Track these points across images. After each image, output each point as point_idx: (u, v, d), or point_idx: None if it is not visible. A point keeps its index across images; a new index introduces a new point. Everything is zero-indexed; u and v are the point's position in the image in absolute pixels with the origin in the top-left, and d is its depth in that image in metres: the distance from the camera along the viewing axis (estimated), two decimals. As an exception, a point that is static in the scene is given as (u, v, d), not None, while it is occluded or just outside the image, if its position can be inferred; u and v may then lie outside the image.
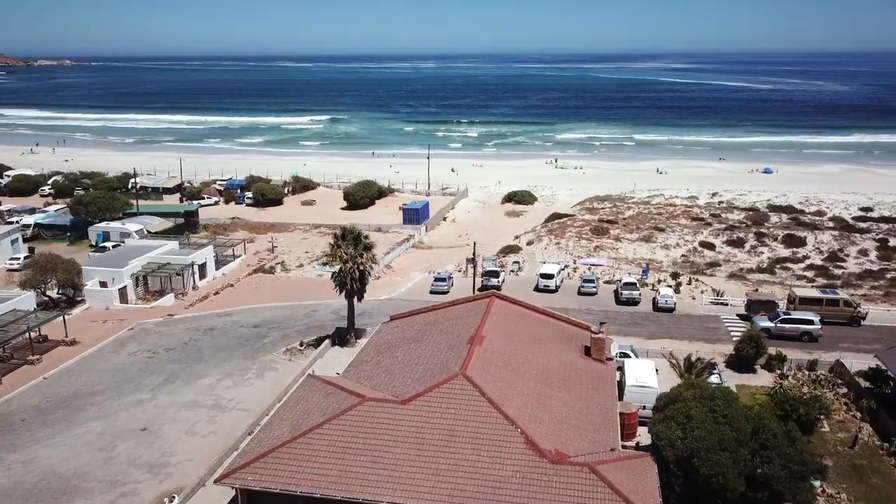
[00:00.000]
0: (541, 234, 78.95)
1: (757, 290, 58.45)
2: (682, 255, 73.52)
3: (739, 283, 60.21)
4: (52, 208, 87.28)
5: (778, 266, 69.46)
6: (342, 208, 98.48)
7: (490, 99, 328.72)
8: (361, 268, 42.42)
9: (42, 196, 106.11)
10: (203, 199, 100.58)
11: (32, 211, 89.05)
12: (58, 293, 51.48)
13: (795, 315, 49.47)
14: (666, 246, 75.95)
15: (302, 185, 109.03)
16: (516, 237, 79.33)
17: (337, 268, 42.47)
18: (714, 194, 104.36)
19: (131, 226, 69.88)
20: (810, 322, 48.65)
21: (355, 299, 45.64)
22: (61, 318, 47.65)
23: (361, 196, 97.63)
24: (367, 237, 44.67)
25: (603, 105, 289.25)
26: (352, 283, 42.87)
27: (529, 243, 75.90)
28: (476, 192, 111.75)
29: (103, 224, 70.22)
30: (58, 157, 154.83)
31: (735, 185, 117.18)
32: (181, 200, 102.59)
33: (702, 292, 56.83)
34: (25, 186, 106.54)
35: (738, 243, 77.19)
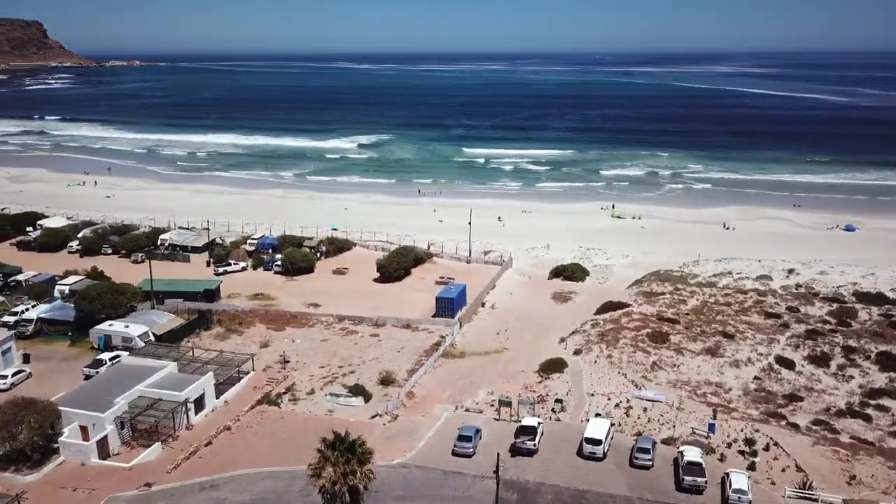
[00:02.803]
0: (590, 338, 69.58)
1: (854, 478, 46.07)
2: (756, 378, 63.08)
3: (829, 448, 49.60)
4: (69, 281, 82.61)
5: (872, 405, 58.36)
6: (375, 279, 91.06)
7: (546, 114, 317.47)
8: (353, 484, 34.49)
9: (70, 253, 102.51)
10: (230, 264, 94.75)
11: (52, 281, 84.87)
12: (30, 449, 45.35)
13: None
14: (735, 363, 65.55)
15: (336, 248, 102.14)
16: (562, 340, 70.19)
17: (326, 480, 34.54)
18: (790, 272, 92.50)
19: (135, 328, 63.88)
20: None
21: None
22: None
23: (395, 268, 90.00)
24: (363, 443, 36.60)
25: (667, 123, 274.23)
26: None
27: (577, 352, 66.68)
28: (522, 257, 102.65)
29: (105, 326, 64.49)
30: (101, 192, 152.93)
31: (813, 251, 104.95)
32: (208, 264, 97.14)
33: (783, 470, 46.65)
34: (54, 242, 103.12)
35: (822, 360, 66.14)
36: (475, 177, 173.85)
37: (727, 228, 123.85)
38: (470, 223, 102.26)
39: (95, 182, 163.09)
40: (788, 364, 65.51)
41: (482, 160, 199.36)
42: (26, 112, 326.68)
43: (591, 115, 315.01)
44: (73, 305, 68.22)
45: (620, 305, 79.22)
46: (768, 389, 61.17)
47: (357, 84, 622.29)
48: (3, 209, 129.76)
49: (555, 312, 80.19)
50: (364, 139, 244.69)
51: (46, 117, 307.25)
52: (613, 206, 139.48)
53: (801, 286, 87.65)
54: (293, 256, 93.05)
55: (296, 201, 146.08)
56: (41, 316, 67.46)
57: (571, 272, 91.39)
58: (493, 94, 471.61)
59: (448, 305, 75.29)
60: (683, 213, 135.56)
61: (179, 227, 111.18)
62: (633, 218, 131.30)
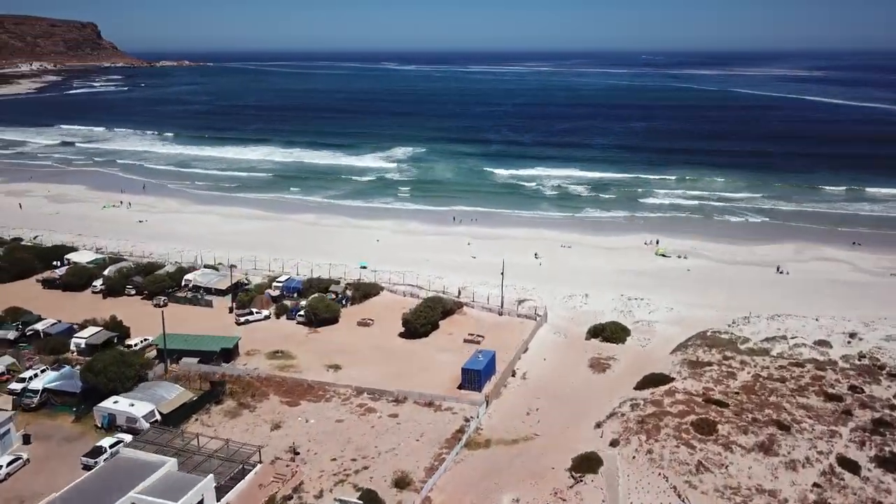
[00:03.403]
0: (629, 425, 63.51)
1: None
2: (815, 485, 56.28)
3: None
4: (86, 333, 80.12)
5: (954, 532, 51.17)
6: (400, 334, 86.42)
7: (590, 127, 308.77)
8: None
9: (94, 293, 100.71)
10: (252, 312, 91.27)
11: (69, 331, 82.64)
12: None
13: None
14: (791, 463, 58.74)
15: (363, 294, 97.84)
16: (598, 426, 64.34)
17: None
18: (851, 336, 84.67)
19: (140, 407, 60.37)
20: None
21: None
22: None
23: (422, 323, 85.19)
24: None
25: (720, 139, 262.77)
26: None
27: (614, 443, 60.77)
28: (559, 308, 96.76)
29: (110, 403, 61.14)
30: (134, 215, 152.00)
31: (877, 305, 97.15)
32: (231, 310, 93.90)
33: None
34: (78, 281, 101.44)
35: (891, 463, 58.87)
36: (512, 202, 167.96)
37: (781, 272, 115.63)
38: (503, 273, 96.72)
39: (129, 203, 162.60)
40: (852, 467, 58.41)
41: (520, 181, 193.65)
42: (69, 120, 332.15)
43: (637, 129, 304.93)
44: (79, 374, 65.08)
45: (663, 379, 72.79)
46: (829, 502, 54.35)
47: (399, 88, 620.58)
48: (35, 237, 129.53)
49: (591, 385, 74.27)
50: (401, 152, 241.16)
51: (89, 126, 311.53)
52: (658, 243, 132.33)
53: (864, 356, 79.87)
54: (317, 307, 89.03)
55: (327, 230, 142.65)
56: (47, 386, 64.62)
57: (611, 332, 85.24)
58: (537, 101, 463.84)
59: (475, 378, 70.12)
60: (733, 252, 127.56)
61: (205, 266, 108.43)
62: (679, 257, 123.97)
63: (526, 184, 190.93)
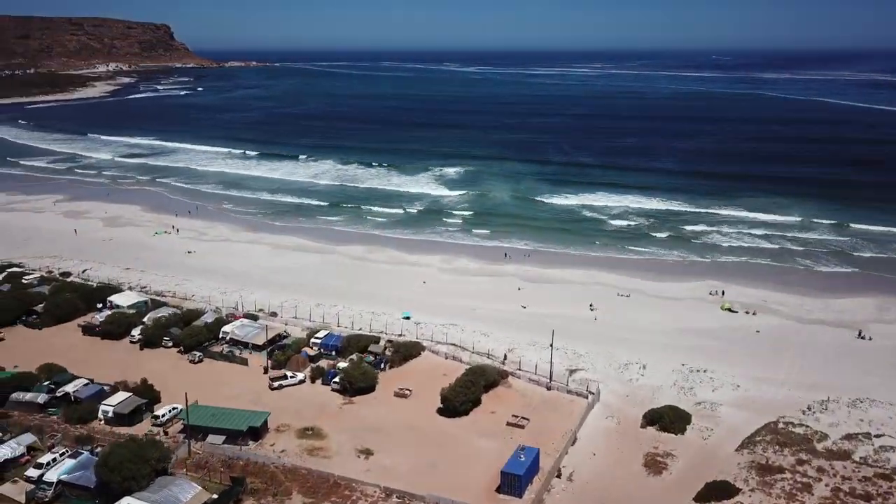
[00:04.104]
0: (686, 556, 56.26)
1: None
2: None
3: None
4: (115, 400, 77.62)
5: None
6: (439, 410, 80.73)
7: (653, 145, 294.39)
8: None
9: (131, 342, 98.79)
10: (286, 376, 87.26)
11: (100, 395, 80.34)
12: None
13: None
14: None
15: (402, 356, 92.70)
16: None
17: None
18: (950, 436, 74.57)
19: (156, 513, 56.67)
20: None
21: None
22: None
23: (462, 402, 79.36)
24: None
25: (802, 163, 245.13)
26: None
27: (667, 582, 53.67)
28: (613, 380, 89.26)
29: (124, 505, 57.63)
30: (182, 245, 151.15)
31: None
32: (265, 370, 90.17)
33: None
34: (117, 329, 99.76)
35: None
36: (568, 238, 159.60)
37: (862, 338, 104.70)
38: (552, 345, 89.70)
39: (178, 230, 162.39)
40: None
41: (577, 209, 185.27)
42: (131, 131, 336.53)
43: (707, 146, 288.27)
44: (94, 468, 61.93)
45: (726, 490, 64.93)
46: None
47: (457, 94, 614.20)
48: (84, 271, 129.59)
49: (646, 489, 66.89)
50: (456, 171, 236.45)
51: (148, 139, 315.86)
52: (723, 294, 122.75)
53: (966, 465, 69.85)
54: (353, 375, 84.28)
55: (373, 267, 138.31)
56: (62, 478, 61.72)
57: (669, 421, 77.34)
58: (599, 111, 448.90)
59: (515, 483, 63.83)
60: (808, 307, 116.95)
61: (244, 316, 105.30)
62: (747, 313, 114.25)
63: (583, 213, 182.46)
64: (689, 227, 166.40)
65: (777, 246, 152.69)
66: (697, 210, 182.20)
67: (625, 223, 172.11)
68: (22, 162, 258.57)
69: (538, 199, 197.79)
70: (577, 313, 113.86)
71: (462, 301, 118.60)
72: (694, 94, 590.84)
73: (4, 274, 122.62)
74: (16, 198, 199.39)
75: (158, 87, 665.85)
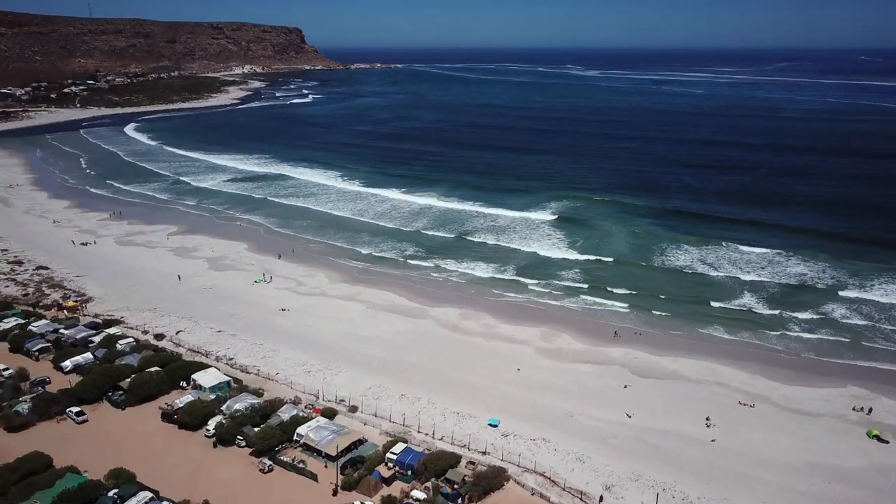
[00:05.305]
0: None
1: None
2: None
3: None
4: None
5: None
6: (517, 576, 70.60)
7: (789, 177, 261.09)
8: None
9: (206, 436, 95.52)
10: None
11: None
12: None
13: None
14: None
15: (483, 489, 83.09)
16: None
17: None
18: None
19: None
20: None
21: None
22: None
23: (544, 573, 68.76)
24: None
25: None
26: None
27: None
28: (727, 547, 75.48)
29: None
30: (277, 300, 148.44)
31: None
32: (334, 492, 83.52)
33: None
34: (193, 421, 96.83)
35: None
36: (688, 311, 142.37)
37: None
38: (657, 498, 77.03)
39: (271, 278, 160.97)
40: None
41: (700, 267, 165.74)
42: (248, 150, 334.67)
43: (864, 194, 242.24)
44: None
45: None
46: None
47: (575, 104, 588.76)
48: (178, 333, 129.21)
49: None
50: (566, 207, 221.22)
51: (265, 157, 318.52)
52: (870, 412, 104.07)
53: None
54: (424, 515, 75.79)
55: (466, 341, 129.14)
56: None
57: None
58: (728, 132, 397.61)
59: None
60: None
61: (322, 412, 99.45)
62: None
63: (707, 274, 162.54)
64: (829, 303, 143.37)
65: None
66: (840, 273, 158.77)
67: (755, 292, 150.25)
68: (145, 184, 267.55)
69: (655, 248, 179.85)
70: (690, 430, 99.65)
71: (559, 401, 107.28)
72: (844, 110, 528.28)
73: (103, 335, 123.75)
74: (135, 227, 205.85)
75: (286, 94, 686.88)
